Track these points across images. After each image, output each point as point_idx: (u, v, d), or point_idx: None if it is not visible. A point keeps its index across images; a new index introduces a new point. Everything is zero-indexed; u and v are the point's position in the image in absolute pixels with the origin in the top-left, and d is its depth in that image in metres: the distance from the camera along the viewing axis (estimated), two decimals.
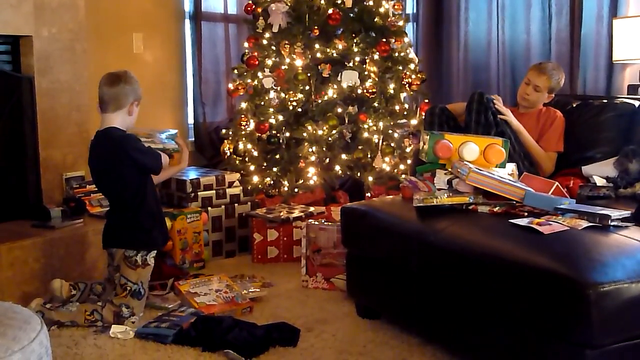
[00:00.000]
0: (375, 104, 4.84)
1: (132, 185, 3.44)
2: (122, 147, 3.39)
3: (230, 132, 5.13)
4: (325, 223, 4.06)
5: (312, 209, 4.58)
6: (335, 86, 4.77)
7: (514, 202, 3.05)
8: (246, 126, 4.96)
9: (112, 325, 3.35)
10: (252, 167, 4.96)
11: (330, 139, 4.75)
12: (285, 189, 4.85)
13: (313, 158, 4.73)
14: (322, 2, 4.82)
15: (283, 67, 4.84)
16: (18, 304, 2.24)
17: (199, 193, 4.58)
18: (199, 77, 5.49)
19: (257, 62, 4.90)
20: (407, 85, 4.88)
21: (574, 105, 4.13)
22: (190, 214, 4.31)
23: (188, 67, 5.54)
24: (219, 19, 5.59)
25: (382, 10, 4.89)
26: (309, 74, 4.77)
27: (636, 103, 3.96)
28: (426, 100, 5.03)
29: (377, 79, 4.80)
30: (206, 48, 5.51)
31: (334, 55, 4.84)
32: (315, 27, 4.81)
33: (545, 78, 4.03)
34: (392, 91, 4.90)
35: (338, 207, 4.08)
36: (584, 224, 2.72)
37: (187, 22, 5.49)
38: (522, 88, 4.13)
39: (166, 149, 3.59)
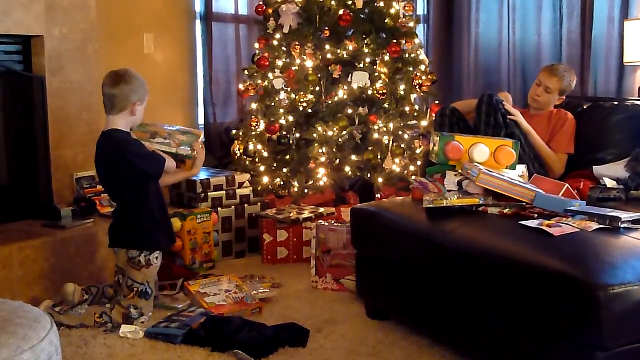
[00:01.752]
0: (386, 105, 4.84)
1: (133, 188, 3.45)
2: (121, 151, 3.38)
3: (241, 133, 5.14)
4: (335, 224, 4.06)
5: (322, 210, 4.58)
6: (345, 87, 4.78)
7: (524, 204, 3.05)
8: (256, 127, 4.97)
9: (122, 325, 3.36)
10: (262, 168, 4.97)
11: (340, 140, 4.75)
12: (296, 189, 4.85)
13: (323, 159, 4.73)
14: (333, 3, 4.83)
15: (294, 68, 4.84)
16: (28, 304, 2.25)
17: (209, 193, 4.59)
18: (210, 77, 5.50)
19: (267, 63, 4.91)
20: (417, 86, 4.88)
21: (585, 107, 4.12)
22: (200, 214, 4.32)
23: (199, 67, 5.56)
24: (229, 19, 5.61)
25: (392, 11, 4.89)
26: (319, 75, 4.77)
27: None
28: (437, 102, 5.03)
29: (387, 80, 4.80)
30: (217, 49, 5.52)
31: (345, 56, 4.84)
32: (326, 28, 4.82)
33: (556, 80, 4.02)
34: (402, 92, 4.91)
35: (348, 208, 4.08)
36: (595, 226, 2.71)
37: (198, 22, 5.51)
38: (533, 89, 4.12)
39: (178, 154, 3.58)
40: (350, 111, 4.77)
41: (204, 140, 3.72)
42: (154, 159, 3.46)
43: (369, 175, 4.85)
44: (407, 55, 4.95)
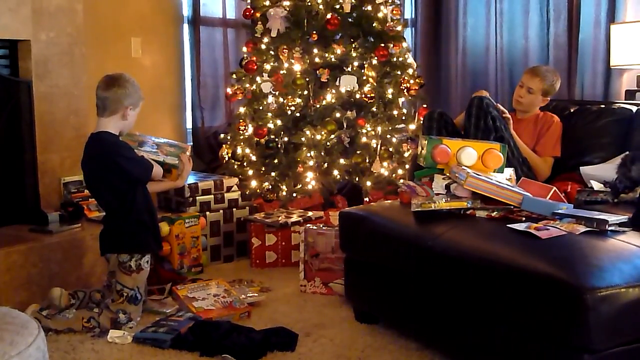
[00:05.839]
0: (374, 109, 4.84)
1: (119, 192, 3.44)
2: (109, 153, 3.39)
3: (229, 137, 5.13)
4: (324, 228, 4.06)
5: (310, 213, 4.57)
6: (333, 91, 4.78)
7: (512, 207, 3.05)
8: (244, 131, 4.97)
9: (110, 330, 3.35)
10: (250, 172, 4.96)
11: (328, 143, 4.75)
12: (284, 193, 4.85)
13: (311, 163, 4.73)
14: (321, 7, 4.83)
15: (281, 72, 4.84)
16: (15, 309, 2.23)
17: (197, 198, 4.58)
18: (198, 81, 5.49)
19: (255, 67, 4.91)
20: (405, 90, 4.88)
21: (572, 111, 4.14)
22: (188, 218, 4.31)
23: (186, 71, 5.54)
24: (217, 23, 5.60)
25: (380, 15, 4.90)
26: (307, 79, 4.77)
27: (633, 108, 3.97)
28: (424, 105, 5.03)
29: (375, 84, 4.80)
30: (205, 52, 5.51)
31: (333, 60, 4.85)
32: (314, 32, 4.82)
33: (538, 80, 4.04)
34: (390, 96, 4.91)
35: (336, 211, 4.08)
36: (582, 228, 2.72)
37: (186, 26, 5.49)
38: (516, 91, 4.15)
39: (165, 162, 3.58)
40: (338, 115, 4.77)
41: (190, 154, 3.71)
42: (142, 163, 3.46)
43: (357, 179, 4.85)
44: (394, 59, 4.95)
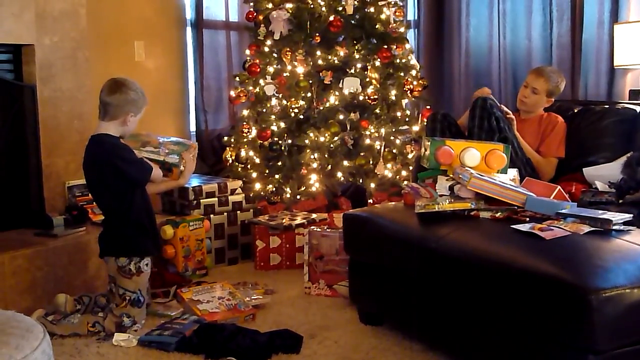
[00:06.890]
0: (377, 111, 4.85)
1: (117, 194, 3.44)
2: (108, 155, 3.39)
3: (232, 140, 5.14)
4: (328, 230, 4.06)
5: (314, 215, 4.58)
6: (336, 93, 4.78)
7: (516, 208, 3.05)
8: (248, 133, 4.98)
9: (115, 334, 3.35)
10: (254, 174, 4.97)
11: (332, 145, 4.75)
12: (288, 195, 4.85)
13: (315, 165, 4.73)
14: (324, 9, 4.83)
15: (285, 74, 4.85)
16: (21, 313, 2.24)
17: (201, 200, 4.58)
18: (201, 84, 5.50)
19: (258, 70, 4.91)
20: (408, 91, 4.89)
21: (576, 111, 4.14)
22: (192, 221, 4.31)
23: (190, 74, 5.56)
24: (220, 26, 5.61)
25: (383, 17, 4.90)
26: (310, 81, 4.78)
27: (638, 108, 3.97)
28: (428, 107, 5.04)
29: (378, 86, 4.81)
30: (208, 55, 5.52)
31: (336, 62, 4.85)
32: (317, 34, 4.83)
33: (542, 80, 4.03)
34: (393, 97, 4.92)
35: (340, 213, 4.08)
36: (586, 228, 2.71)
37: (189, 29, 5.51)
38: (520, 91, 4.14)
39: (165, 162, 3.58)
40: (341, 117, 4.78)
41: (197, 152, 3.72)
42: (141, 165, 3.46)
43: (360, 181, 4.85)
44: (397, 61, 4.96)
